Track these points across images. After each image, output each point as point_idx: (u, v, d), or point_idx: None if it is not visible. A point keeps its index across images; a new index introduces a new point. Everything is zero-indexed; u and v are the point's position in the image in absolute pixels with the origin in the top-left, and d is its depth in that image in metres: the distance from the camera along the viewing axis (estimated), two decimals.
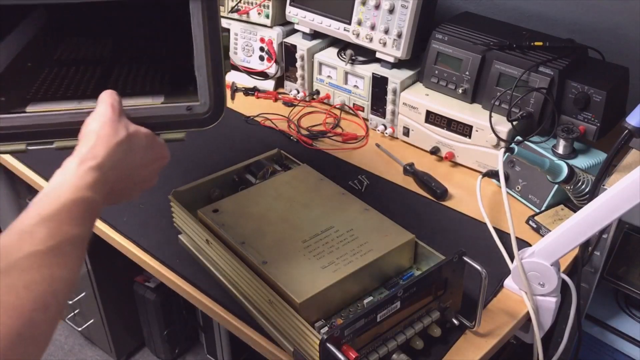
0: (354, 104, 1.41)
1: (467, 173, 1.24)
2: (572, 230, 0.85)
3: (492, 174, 1.14)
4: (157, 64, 0.98)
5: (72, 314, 1.79)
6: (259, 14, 1.46)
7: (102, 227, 1.09)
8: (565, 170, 0.99)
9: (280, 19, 1.48)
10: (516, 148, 0.94)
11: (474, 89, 1.23)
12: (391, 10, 1.27)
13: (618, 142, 0.89)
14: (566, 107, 1.15)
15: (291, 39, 1.46)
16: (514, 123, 1.15)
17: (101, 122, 0.68)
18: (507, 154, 0.95)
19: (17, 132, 0.75)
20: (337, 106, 1.44)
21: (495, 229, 1.06)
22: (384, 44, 1.30)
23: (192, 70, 0.78)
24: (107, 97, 0.71)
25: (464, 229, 1.09)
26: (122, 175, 0.68)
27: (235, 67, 1.54)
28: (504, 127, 1.17)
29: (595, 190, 0.93)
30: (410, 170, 1.22)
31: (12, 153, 0.77)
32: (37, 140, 0.76)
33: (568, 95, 1.14)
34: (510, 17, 1.40)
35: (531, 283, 0.91)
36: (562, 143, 1.12)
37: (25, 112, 0.76)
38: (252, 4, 1.46)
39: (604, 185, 0.93)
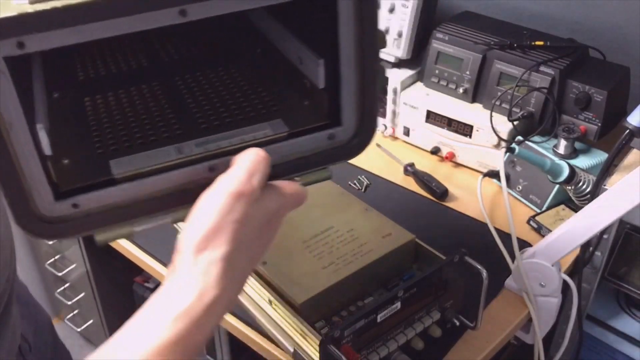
0: None
1: (468, 173, 1.24)
2: (573, 230, 0.85)
3: (493, 174, 1.14)
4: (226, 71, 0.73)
5: (71, 314, 1.79)
6: None
7: None
8: (566, 171, 0.98)
9: None
10: (517, 148, 0.94)
11: (474, 88, 1.22)
12: (391, 10, 1.27)
13: (619, 142, 0.89)
14: (567, 106, 1.14)
15: None
16: (515, 123, 1.15)
17: (208, 214, 0.52)
18: (507, 154, 0.95)
19: (118, 211, 0.52)
20: None
21: (496, 229, 1.05)
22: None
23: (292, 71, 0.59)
24: (242, 164, 0.51)
25: (464, 229, 1.09)
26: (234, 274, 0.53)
27: None
28: (504, 127, 1.16)
29: (596, 191, 0.93)
30: (410, 170, 1.22)
31: (116, 239, 0.55)
32: (147, 216, 0.54)
33: (569, 95, 1.14)
34: (511, 16, 1.39)
35: (532, 283, 0.91)
36: (563, 143, 1.12)
37: (114, 176, 0.52)
38: None
39: (605, 186, 0.93)
